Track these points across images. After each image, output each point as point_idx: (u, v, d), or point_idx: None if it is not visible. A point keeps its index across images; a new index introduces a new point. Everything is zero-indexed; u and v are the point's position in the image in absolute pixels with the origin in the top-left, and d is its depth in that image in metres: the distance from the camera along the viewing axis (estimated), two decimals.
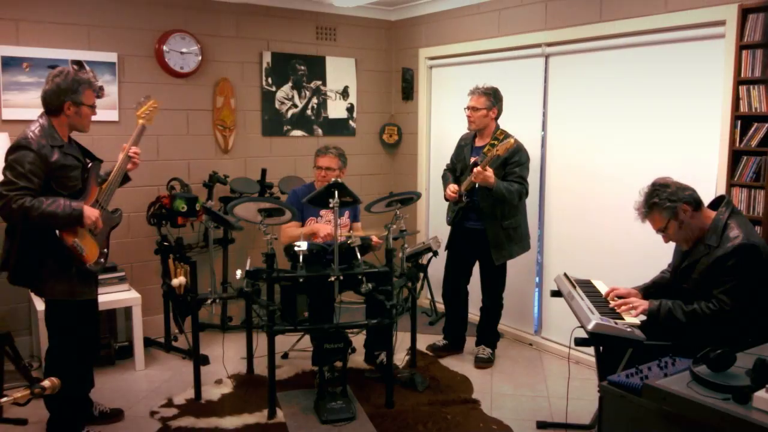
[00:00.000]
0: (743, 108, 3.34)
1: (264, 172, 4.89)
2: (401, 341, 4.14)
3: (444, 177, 4.39)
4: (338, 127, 5.59)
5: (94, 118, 3.10)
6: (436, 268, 4.85)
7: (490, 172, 3.84)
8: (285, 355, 4.36)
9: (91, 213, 2.92)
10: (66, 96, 2.91)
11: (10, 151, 2.84)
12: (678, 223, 2.83)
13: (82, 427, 3.23)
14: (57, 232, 2.87)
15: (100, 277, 3.57)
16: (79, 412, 3.24)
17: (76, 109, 2.95)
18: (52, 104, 2.94)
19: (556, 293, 3.30)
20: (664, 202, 2.81)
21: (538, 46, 4.47)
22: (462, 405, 3.66)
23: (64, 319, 3.05)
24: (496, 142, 3.95)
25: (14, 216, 2.78)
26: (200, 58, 4.75)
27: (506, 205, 4.01)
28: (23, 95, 4.10)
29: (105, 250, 3.09)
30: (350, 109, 5.65)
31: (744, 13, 3.31)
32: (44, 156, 2.83)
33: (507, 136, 3.95)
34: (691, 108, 3.67)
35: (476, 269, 4.32)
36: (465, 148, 4.24)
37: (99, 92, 3.08)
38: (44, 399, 3.13)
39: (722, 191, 3.39)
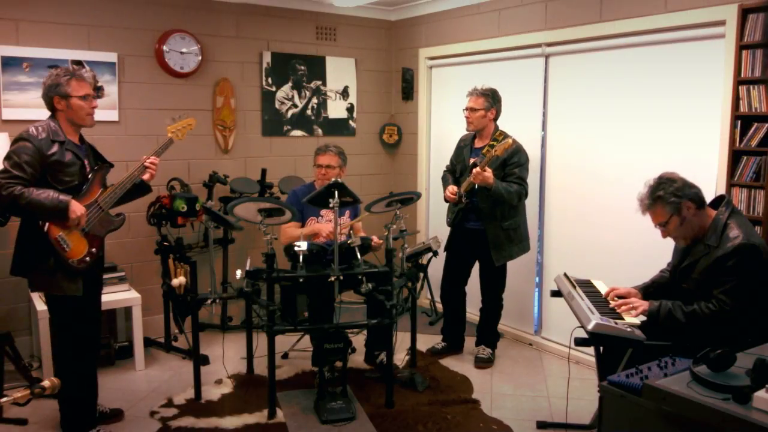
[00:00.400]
0: (743, 108, 3.34)
1: (264, 172, 4.89)
2: (401, 341, 4.14)
3: (444, 178, 4.39)
4: (338, 127, 5.59)
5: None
6: (436, 268, 4.85)
7: (489, 173, 3.84)
8: (285, 355, 4.36)
9: (76, 208, 2.94)
10: (51, 92, 2.99)
11: (12, 142, 2.95)
12: (680, 220, 2.82)
13: (93, 427, 3.24)
14: (46, 225, 2.91)
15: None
16: (88, 411, 3.24)
17: (65, 102, 3.00)
18: (46, 104, 3.04)
19: (556, 293, 3.30)
20: (669, 197, 2.79)
21: (538, 46, 4.47)
22: (462, 405, 3.66)
23: (59, 316, 3.09)
24: (495, 143, 3.95)
25: (3, 202, 2.87)
26: (200, 58, 4.75)
27: (506, 206, 4.01)
28: (23, 95, 4.10)
29: (94, 250, 3.08)
30: (350, 109, 5.65)
31: (744, 13, 3.31)
32: (41, 148, 2.90)
33: (506, 136, 3.95)
34: (691, 108, 3.67)
35: (475, 270, 4.32)
36: (464, 149, 4.25)
37: (99, 92, 3.12)
38: (58, 400, 3.15)
39: (722, 191, 3.39)
